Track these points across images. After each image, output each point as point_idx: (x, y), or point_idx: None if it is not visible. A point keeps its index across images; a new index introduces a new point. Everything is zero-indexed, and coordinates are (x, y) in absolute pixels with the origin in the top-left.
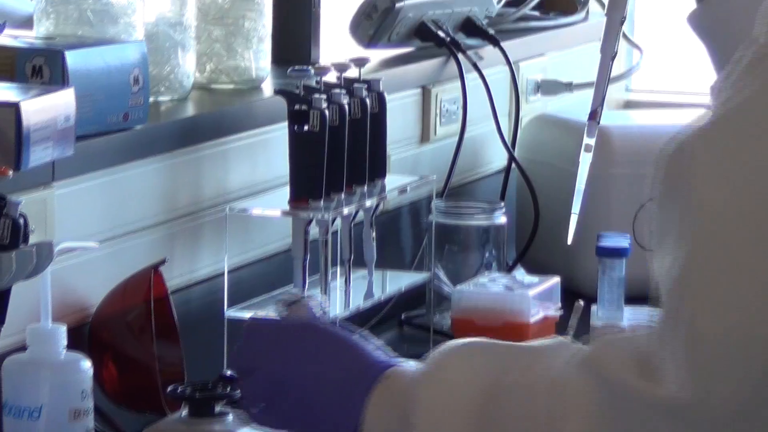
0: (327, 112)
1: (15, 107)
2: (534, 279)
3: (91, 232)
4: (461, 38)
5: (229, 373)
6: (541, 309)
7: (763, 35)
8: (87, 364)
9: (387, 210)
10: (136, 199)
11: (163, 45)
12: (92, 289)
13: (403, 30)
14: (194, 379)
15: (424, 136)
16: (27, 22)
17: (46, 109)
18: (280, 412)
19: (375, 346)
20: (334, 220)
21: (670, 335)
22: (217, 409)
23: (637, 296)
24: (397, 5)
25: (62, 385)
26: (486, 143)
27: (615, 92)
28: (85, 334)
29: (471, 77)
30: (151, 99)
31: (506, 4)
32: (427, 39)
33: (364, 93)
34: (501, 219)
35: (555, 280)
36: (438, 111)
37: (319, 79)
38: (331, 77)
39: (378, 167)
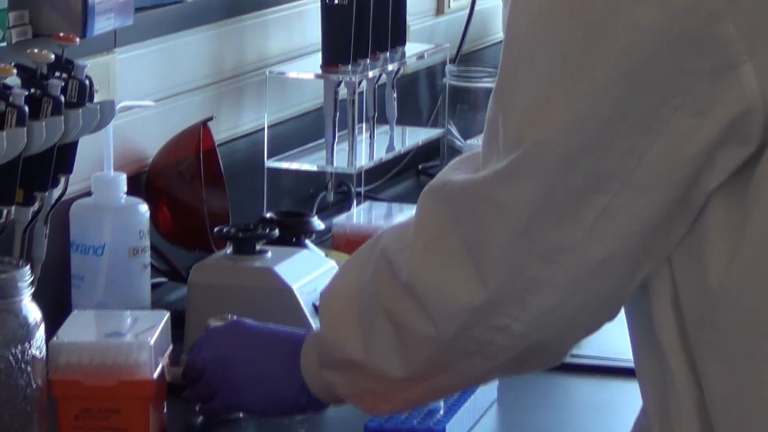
0: None
1: None
2: None
3: (148, 92)
4: None
5: (269, 215)
6: None
7: None
8: (144, 208)
9: (406, 74)
10: (187, 63)
11: None
12: (149, 142)
13: None
14: (238, 221)
15: (439, 9)
16: None
17: None
18: (235, 398)
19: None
20: (360, 82)
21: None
22: (258, 247)
23: None
24: None
25: (122, 226)
26: (493, 15)
27: None
28: (143, 182)
29: None
30: None
31: None
32: None
33: None
34: None
35: None
36: None
37: None
38: None
39: (398, 36)
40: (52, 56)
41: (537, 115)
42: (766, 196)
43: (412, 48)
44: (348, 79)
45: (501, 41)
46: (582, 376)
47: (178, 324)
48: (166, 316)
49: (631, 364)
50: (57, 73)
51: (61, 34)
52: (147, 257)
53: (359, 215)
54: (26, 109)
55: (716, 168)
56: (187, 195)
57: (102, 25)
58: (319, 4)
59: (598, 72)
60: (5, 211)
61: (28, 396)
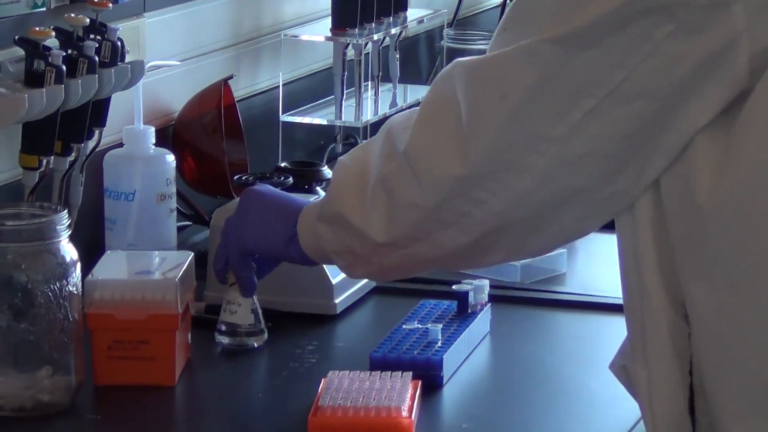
0: None
1: None
2: None
3: (174, 53)
4: None
5: (283, 164)
6: None
7: None
8: (171, 158)
9: (408, 36)
10: (209, 27)
11: None
12: (175, 98)
13: None
14: (255, 170)
15: None
16: None
17: None
18: (238, 237)
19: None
20: (366, 44)
21: None
22: None
23: None
24: None
25: (151, 174)
26: None
27: None
28: (170, 134)
29: None
30: None
31: None
32: None
33: None
34: None
35: None
36: None
37: None
38: None
39: (401, 2)
40: (88, 20)
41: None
42: (753, 130)
43: (413, 13)
44: (355, 41)
45: (493, 7)
46: (569, 311)
47: (201, 263)
48: (191, 256)
49: (616, 301)
50: (92, 36)
51: (96, 0)
52: (173, 202)
53: None
54: (64, 68)
55: (704, 103)
56: (209, 146)
57: None
58: None
59: None
60: (45, 161)
61: (66, 328)
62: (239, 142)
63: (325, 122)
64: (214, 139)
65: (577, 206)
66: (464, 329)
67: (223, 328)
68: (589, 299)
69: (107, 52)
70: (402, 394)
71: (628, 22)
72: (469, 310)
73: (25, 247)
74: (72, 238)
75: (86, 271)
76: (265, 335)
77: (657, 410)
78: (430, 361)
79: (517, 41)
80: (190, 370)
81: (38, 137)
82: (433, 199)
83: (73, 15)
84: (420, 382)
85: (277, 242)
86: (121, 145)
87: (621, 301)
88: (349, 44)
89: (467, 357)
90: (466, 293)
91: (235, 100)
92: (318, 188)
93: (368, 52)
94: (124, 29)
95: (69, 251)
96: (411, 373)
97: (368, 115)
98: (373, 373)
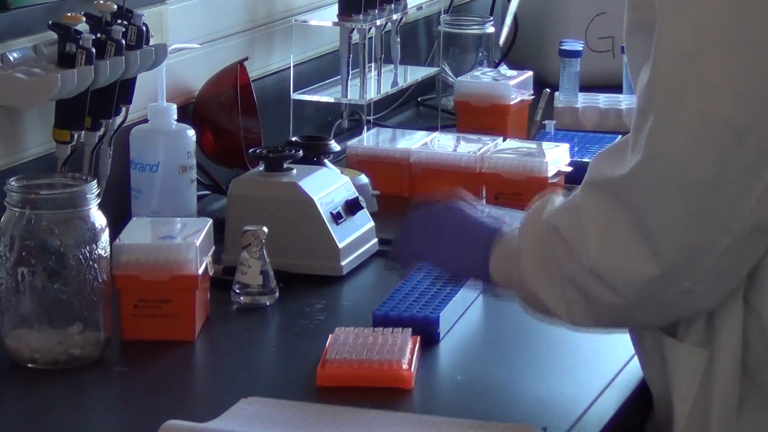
0: None
1: None
2: (513, 73)
3: (194, 37)
4: None
5: (294, 139)
6: (518, 94)
7: None
8: (191, 132)
9: (408, 21)
10: (226, 12)
11: None
12: (195, 78)
13: None
14: (268, 143)
15: None
16: None
17: None
18: (426, 251)
19: (486, 214)
20: (369, 29)
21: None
22: (285, 165)
23: (587, 86)
24: None
25: (173, 147)
26: None
27: None
28: (190, 111)
29: None
30: None
31: None
32: None
33: None
34: (490, 29)
35: (529, 73)
36: None
37: None
38: None
39: None
40: (115, 6)
41: (715, 93)
42: None
43: (412, 0)
44: (360, 26)
45: None
46: None
47: (219, 229)
48: (210, 222)
49: None
50: (119, 21)
51: None
52: (194, 173)
53: (369, 139)
54: (93, 50)
55: None
56: (226, 122)
57: None
58: None
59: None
60: (76, 135)
61: (96, 288)
62: (254, 118)
63: (332, 100)
64: (231, 116)
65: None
66: (459, 289)
67: (238, 288)
68: None
69: (133, 36)
70: (402, 348)
71: None
72: None
73: (58, 214)
74: (101, 206)
75: (114, 236)
76: (277, 294)
77: (715, 390)
78: (428, 319)
79: (673, 121)
80: (208, 326)
81: (70, 113)
82: (637, 301)
83: (101, 1)
84: (419, 338)
85: (464, 266)
86: (146, 120)
87: None
88: (354, 29)
89: (462, 314)
90: None
91: (250, 79)
92: (326, 160)
93: (371, 36)
94: (148, 15)
95: (98, 218)
96: (410, 329)
97: (372, 94)
98: (375, 329)
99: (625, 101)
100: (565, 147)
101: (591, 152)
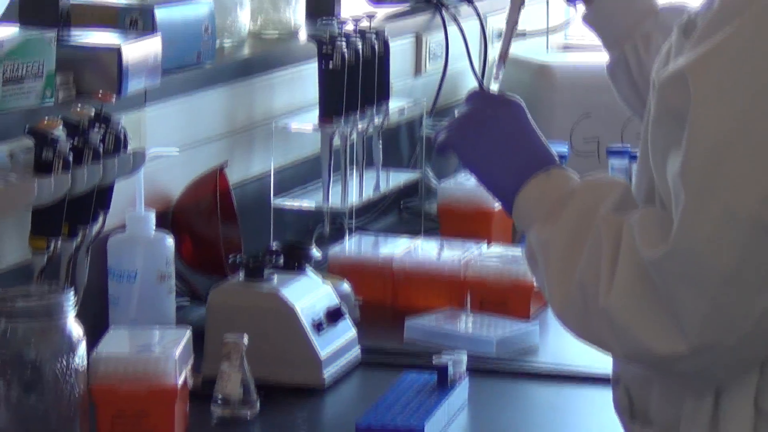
0: (346, 53)
1: (117, 50)
2: None
3: (173, 142)
4: None
5: (275, 246)
6: None
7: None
8: (170, 240)
9: (390, 125)
10: (205, 117)
11: (226, 3)
12: (174, 184)
13: None
14: (249, 251)
15: (417, 71)
16: None
17: (140, 51)
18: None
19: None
20: (351, 133)
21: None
22: (266, 273)
23: None
24: None
25: (152, 256)
26: (462, 76)
27: (556, 39)
28: (169, 218)
29: (452, 27)
30: (217, 43)
31: None
32: None
33: (373, 39)
34: None
35: None
36: (427, 52)
37: (340, 28)
38: (350, 27)
39: (383, 93)
40: (93, 112)
41: (743, 187)
42: None
43: (394, 103)
44: (341, 130)
45: None
46: (543, 382)
47: (198, 339)
48: (188, 332)
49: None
50: (96, 126)
51: (100, 93)
52: (172, 282)
53: (351, 245)
54: (70, 157)
55: None
56: (206, 229)
57: (134, 85)
58: (316, 67)
59: None
60: (53, 243)
61: (72, 401)
62: (234, 225)
63: (313, 206)
64: (210, 223)
65: None
66: (444, 399)
67: (218, 400)
68: (561, 370)
69: (111, 142)
70: None
71: None
72: (449, 382)
73: (34, 325)
74: (78, 316)
75: (91, 346)
76: (258, 406)
77: None
78: (412, 429)
79: (700, 214)
80: None
81: (47, 221)
82: (665, 371)
83: (79, 108)
84: None
85: (496, 188)
86: (124, 228)
87: (591, 371)
88: (335, 133)
89: (447, 425)
90: (446, 366)
91: (230, 185)
92: (307, 267)
93: (353, 141)
94: (126, 120)
95: (75, 328)
96: None
97: (353, 199)
98: None
99: None
100: None
101: None
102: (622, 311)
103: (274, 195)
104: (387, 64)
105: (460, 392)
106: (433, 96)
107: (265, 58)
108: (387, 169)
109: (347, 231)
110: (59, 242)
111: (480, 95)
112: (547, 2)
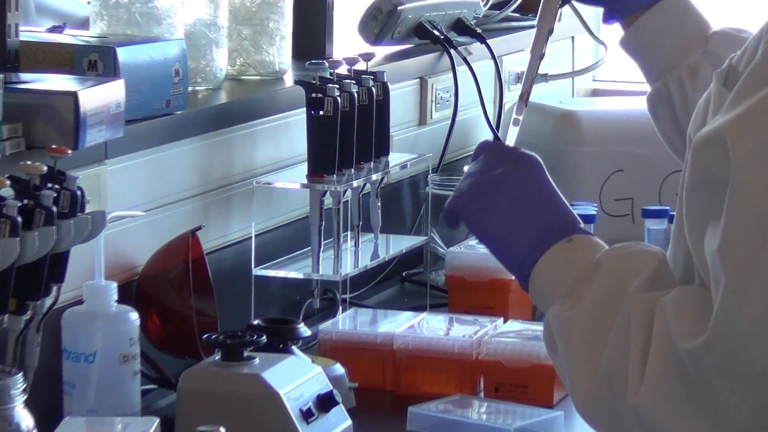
0: (339, 99)
1: (73, 96)
2: None
3: (138, 203)
4: (453, 36)
5: (256, 322)
6: None
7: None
8: (135, 316)
9: (390, 182)
10: (176, 174)
11: (199, 42)
12: (139, 251)
13: (403, 29)
14: (226, 328)
15: (422, 120)
16: (84, 24)
17: (99, 97)
18: (482, 215)
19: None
20: (345, 192)
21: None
22: (246, 353)
23: None
24: (399, 8)
25: (113, 334)
26: (474, 125)
27: (583, 82)
28: (133, 290)
29: (461, 69)
30: (190, 88)
31: (491, 7)
32: (424, 37)
33: (371, 83)
34: None
35: None
36: (433, 98)
37: (332, 71)
38: (343, 70)
39: (382, 146)
40: (45, 168)
41: None
42: None
43: (395, 158)
44: (333, 188)
45: None
46: None
47: (167, 430)
48: (156, 422)
49: None
50: (49, 184)
51: (54, 146)
52: (137, 364)
53: (345, 322)
54: (19, 219)
55: None
56: (176, 303)
57: (93, 137)
58: (305, 115)
59: None
60: None
61: None
62: (208, 297)
63: (301, 276)
64: (182, 296)
65: None
66: None
67: None
68: None
69: (66, 202)
70: None
71: None
72: None
73: None
74: (27, 403)
75: None
76: None
77: None
78: None
79: (744, 294)
80: None
81: None
82: None
83: (29, 162)
84: None
85: (507, 261)
86: (81, 302)
87: None
88: (326, 191)
89: None
90: None
91: (204, 252)
92: (294, 347)
93: (347, 200)
94: (84, 177)
95: (24, 418)
96: None
97: (348, 268)
98: None
99: None
100: None
101: None
102: (655, 410)
103: (255, 263)
104: (387, 112)
105: None
106: (440, 149)
107: (245, 105)
108: (387, 234)
109: (340, 305)
110: (6, 318)
111: (492, 149)
112: (573, 39)
